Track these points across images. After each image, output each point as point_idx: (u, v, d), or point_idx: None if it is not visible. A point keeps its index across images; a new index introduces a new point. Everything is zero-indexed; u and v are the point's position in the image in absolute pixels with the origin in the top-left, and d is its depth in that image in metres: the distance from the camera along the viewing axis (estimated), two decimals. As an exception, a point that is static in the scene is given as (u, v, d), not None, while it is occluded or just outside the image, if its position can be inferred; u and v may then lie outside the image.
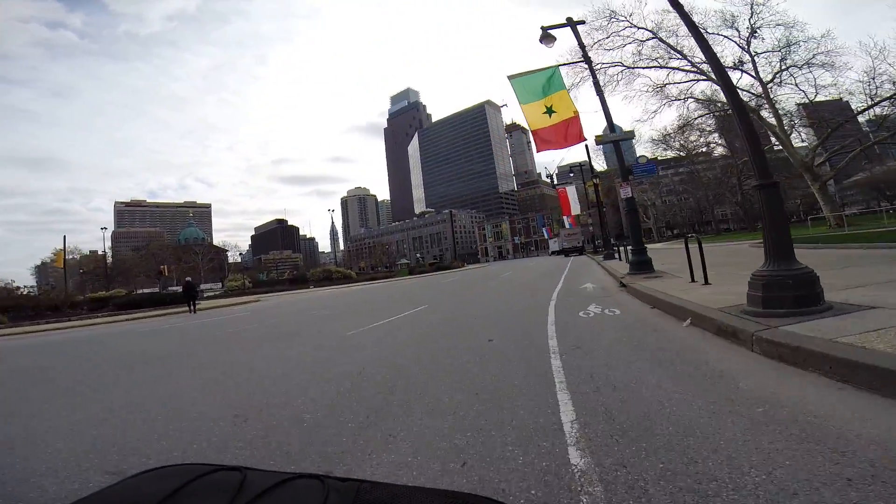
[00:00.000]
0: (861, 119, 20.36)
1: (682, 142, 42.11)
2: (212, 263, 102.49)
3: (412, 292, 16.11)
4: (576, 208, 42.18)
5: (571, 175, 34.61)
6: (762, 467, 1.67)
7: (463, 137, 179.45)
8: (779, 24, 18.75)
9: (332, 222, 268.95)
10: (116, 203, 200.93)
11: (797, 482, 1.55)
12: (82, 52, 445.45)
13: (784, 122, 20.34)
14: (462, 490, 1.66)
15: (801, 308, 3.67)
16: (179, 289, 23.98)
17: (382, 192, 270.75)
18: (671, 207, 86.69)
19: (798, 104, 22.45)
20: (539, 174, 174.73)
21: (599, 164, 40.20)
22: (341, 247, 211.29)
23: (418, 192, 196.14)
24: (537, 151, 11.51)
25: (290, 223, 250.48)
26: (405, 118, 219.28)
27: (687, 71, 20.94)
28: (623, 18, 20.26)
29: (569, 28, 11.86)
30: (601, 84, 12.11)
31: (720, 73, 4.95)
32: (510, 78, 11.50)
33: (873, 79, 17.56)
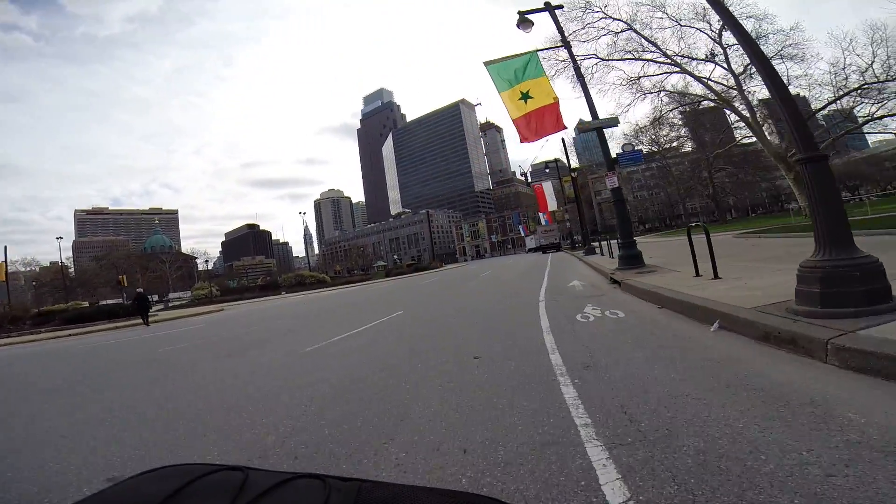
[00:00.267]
0: (833, 108, 20.50)
1: (653, 136, 42.46)
2: (180, 272, 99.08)
3: (388, 296, 15.04)
4: (552, 204, 41.98)
5: (547, 171, 34.23)
6: None
7: (438, 137, 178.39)
8: (750, 17, 18.70)
9: (306, 226, 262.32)
10: (77, 211, 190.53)
11: None
12: (37, 55, 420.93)
13: (756, 113, 20.33)
14: None
15: (871, 306, 2.88)
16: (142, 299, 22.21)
17: (357, 193, 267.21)
18: (643, 202, 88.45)
19: (760, 100, 22.62)
20: (514, 172, 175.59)
21: (571, 161, 40.02)
22: (316, 251, 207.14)
23: (394, 193, 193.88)
24: (521, 142, 10.72)
25: (261, 228, 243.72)
26: (379, 118, 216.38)
27: (660, 63, 20.67)
28: (598, 9, 19.82)
29: (547, 13, 11.13)
30: (580, 71, 11.40)
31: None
32: (486, 64, 10.72)
33: (843, 69, 17.67)
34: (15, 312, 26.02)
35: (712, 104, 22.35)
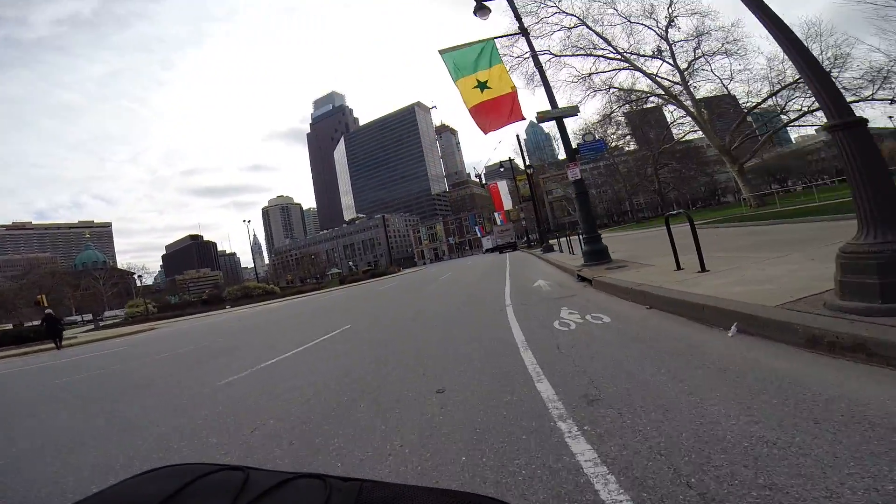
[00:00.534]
0: (768, 104, 21.58)
1: (601, 135, 43.67)
2: (116, 288, 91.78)
3: (338, 306, 13.72)
4: (508, 203, 41.99)
5: (502, 170, 34.05)
6: None
7: (392, 140, 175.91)
8: (694, 13, 19.31)
9: (254, 234, 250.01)
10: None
11: None
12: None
13: (701, 108, 21.03)
14: None
15: (947, 299, 2.20)
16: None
17: (308, 200, 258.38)
18: (591, 199, 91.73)
19: (697, 99, 23.51)
20: (469, 174, 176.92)
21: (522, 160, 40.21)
22: (266, 260, 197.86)
23: (347, 198, 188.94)
24: (483, 131, 9.93)
25: (206, 239, 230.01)
26: (330, 122, 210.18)
27: (611, 59, 20.90)
28: (553, 4, 19.70)
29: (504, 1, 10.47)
30: (538, 58, 10.78)
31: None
32: (442, 52, 9.93)
33: (782, 62, 18.53)
34: None
35: (659, 100, 22.90)
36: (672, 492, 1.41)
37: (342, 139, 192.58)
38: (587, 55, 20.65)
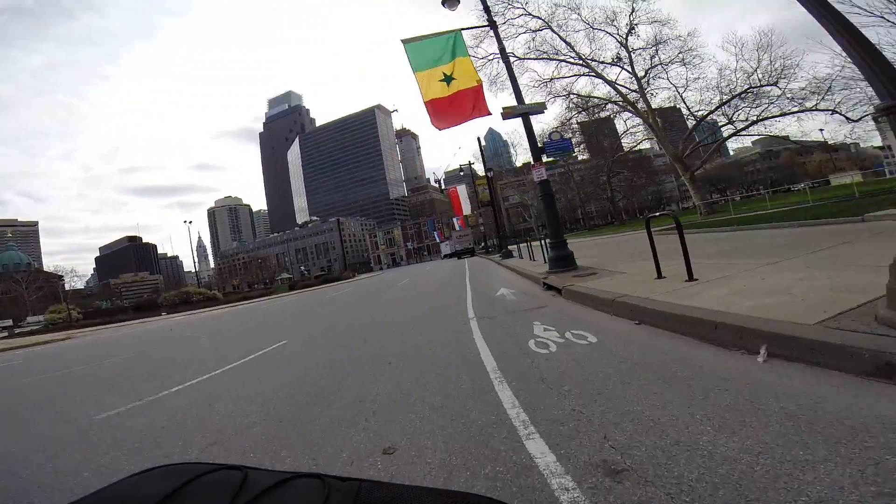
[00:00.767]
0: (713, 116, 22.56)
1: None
2: (41, 292, 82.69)
3: (280, 316, 12.38)
4: (467, 208, 41.67)
5: (462, 174, 33.66)
6: None
7: (351, 142, 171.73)
8: (655, 21, 19.88)
9: (199, 237, 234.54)
10: None
11: None
12: None
13: (655, 116, 21.65)
14: None
15: None
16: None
17: (258, 201, 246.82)
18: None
19: (645, 110, 24.37)
20: (428, 179, 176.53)
21: (480, 167, 40.17)
22: (212, 264, 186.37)
23: (300, 201, 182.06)
24: (438, 129, 9.21)
25: (145, 240, 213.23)
26: (285, 122, 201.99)
27: (573, 63, 21.02)
28: (520, 6, 19.56)
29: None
30: (505, 53, 10.22)
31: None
32: (405, 42, 9.18)
33: (734, 72, 19.38)
34: None
35: (615, 108, 23.37)
36: None
37: (297, 139, 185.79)
38: (550, 59, 20.72)
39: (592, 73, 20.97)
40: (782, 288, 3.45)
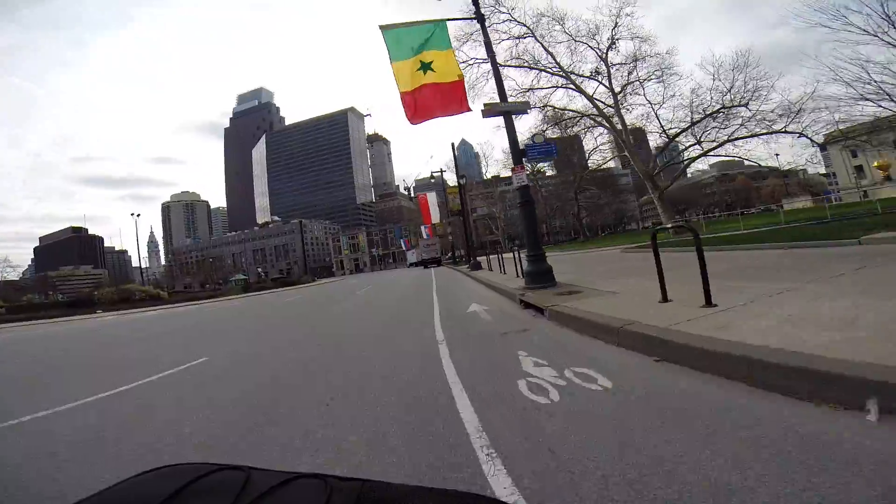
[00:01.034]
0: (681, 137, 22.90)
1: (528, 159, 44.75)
2: None
3: (213, 324, 10.85)
4: (436, 216, 40.79)
5: (433, 181, 32.83)
6: None
7: (321, 144, 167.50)
8: (636, 37, 19.98)
9: (151, 231, 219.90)
10: None
11: None
12: None
13: (628, 133, 21.71)
14: None
15: None
16: None
17: (217, 199, 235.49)
18: (512, 221, 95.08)
19: (619, 127, 24.62)
20: (398, 186, 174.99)
21: (451, 178, 39.52)
22: (163, 261, 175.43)
23: (262, 201, 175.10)
24: (413, 122, 8.26)
25: (92, 233, 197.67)
26: (253, 119, 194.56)
27: (553, 73, 20.78)
28: (506, 11, 19.18)
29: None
30: (491, 46, 9.39)
31: None
32: (383, 29, 8.25)
33: (710, 90, 19.60)
34: None
35: (589, 122, 23.30)
36: None
37: (264, 137, 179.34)
38: (531, 68, 20.41)
39: (572, 86, 20.83)
40: (840, 319, 2.67)
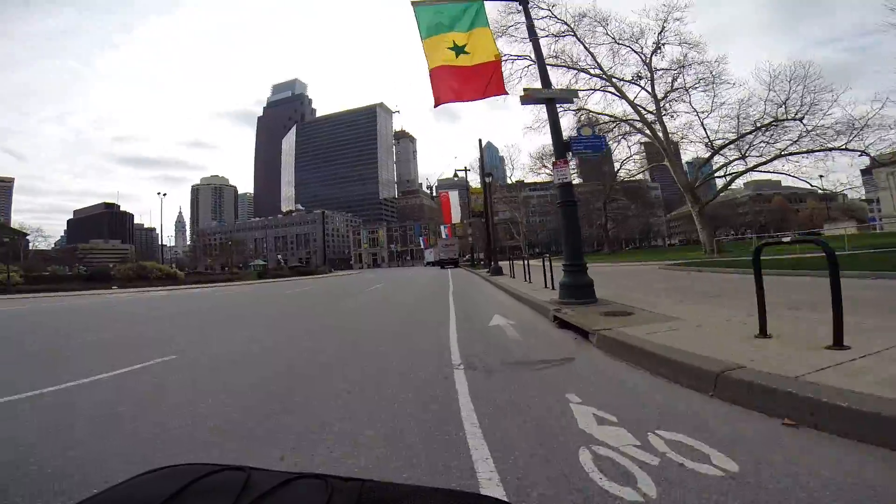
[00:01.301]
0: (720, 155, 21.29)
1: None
2: (1, 249, 77.82)
3: (206, 312, 10.21)
4: (456, 216, 39.86)
5: (458, 177, 31.87)
6: None
7: (348, 138, 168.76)
8: (684, 43, 18.64)
9: (180, 211, 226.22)
10: None
11: None
12: None
13: (673, 138, 20.31)
14: None
15: None
16: None
17: (246, 185, 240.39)
18: (533, 227, 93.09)
19: (638, 142, 23.18)
20: (420, 184, 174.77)
21: (474, 180, 38.28)
22: (188, 241, 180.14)
23: (288, 190, 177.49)
24: (441, 101, 7.36)
25: (123, 209, 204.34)
26: (286, 109, 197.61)
27: (593, 75, 19.57)
28: (545, 7, 18.12)
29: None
30: (534, 29, 8.35)
31: None
32: (415, 4, 7.42)
33: (765, 100, 18.03)
34: None
35: (627, 127, 21.92)
36: None
37: (294, 127, 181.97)
38: (569, 68, 19.28)
39: (611, 89, 19.55)
40: None
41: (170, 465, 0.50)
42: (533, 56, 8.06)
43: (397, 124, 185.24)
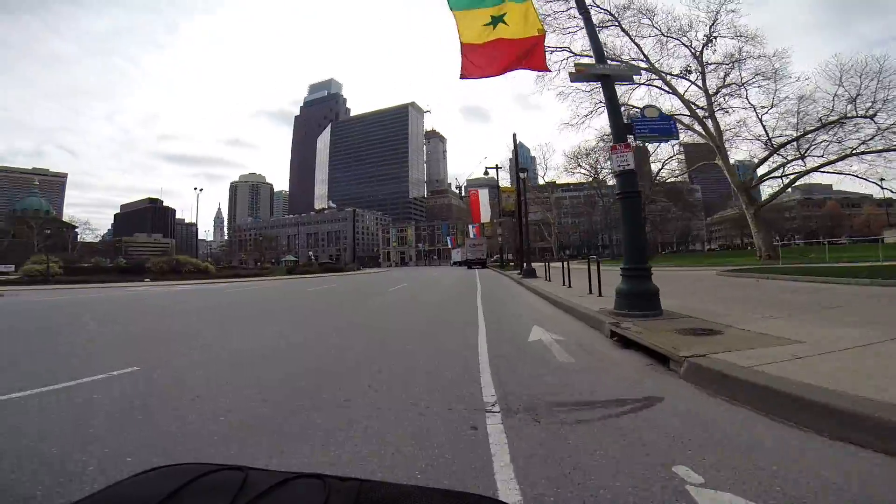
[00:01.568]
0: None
1: (593, 159, 41.47)
2: (50, 240, 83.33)
3: (214, 310, 9.67)
4: (486, 216, 38.82)
5: (488, 175, 30.88)
6: None
7: (380, 137, 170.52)
8: (739, 36, 16.97)
9: (219, 207, 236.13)
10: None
11: None
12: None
13: (725, 136, 18.53)
14: None
15: None
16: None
17: (281, 183, 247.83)
18: (565, 229, 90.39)
19: (678, 142, 21.45)
20: (450, 184, 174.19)
21: (504, 178, 36.93)
22: (226, 236, 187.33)
23: (321, 188, 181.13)
24: (469, 76, 6.54)
25: (166, 205, 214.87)
26: (321, 108, 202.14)
27: (639, 69, 18.14)
28: None
29: None
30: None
31: None
32: None
33: (834, 97, 16.12)
34: None
35: (678, 125, 20.26)
36: None
37: (329, 127, 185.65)
38: (611, 61, 17.91)
39: (658, 83, 18.06)
40: None
41: (169, 464, 0.50)
42: (584, 18, 6.87)
43: (428, 124, 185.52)
